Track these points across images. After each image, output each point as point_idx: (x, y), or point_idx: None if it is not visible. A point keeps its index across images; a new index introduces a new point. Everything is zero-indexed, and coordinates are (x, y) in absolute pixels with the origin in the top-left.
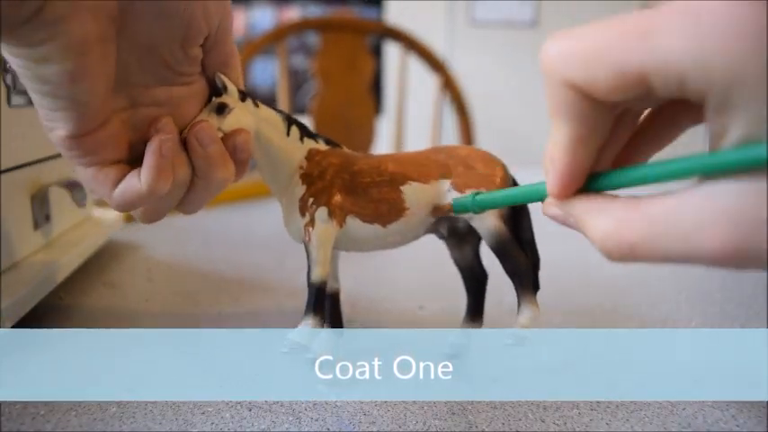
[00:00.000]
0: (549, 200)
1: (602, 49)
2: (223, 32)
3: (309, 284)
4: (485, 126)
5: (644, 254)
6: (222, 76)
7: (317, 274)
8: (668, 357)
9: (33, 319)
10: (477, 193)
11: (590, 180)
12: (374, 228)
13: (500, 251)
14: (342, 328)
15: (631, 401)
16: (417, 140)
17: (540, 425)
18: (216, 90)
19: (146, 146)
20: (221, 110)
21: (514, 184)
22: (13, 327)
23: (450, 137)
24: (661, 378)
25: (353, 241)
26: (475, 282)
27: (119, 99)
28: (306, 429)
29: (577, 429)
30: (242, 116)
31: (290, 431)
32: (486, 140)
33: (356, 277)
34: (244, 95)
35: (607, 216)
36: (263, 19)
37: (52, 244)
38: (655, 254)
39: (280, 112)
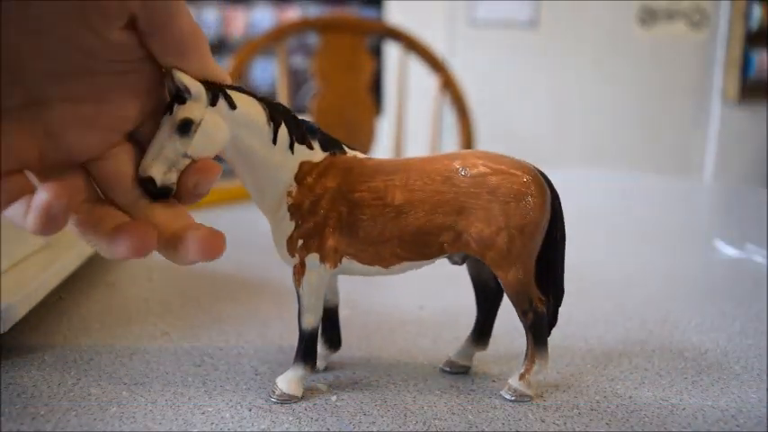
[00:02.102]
0: None
1: None
2: (166, 12)
3: (300, 331)
4: (485, 126)
5: None
6: (180, 75)
7: (308, 322)
8: (668, 358)
9: (33, 319)
10: None
11: None
12: (374, 269)
13: (519, 304)
14: (339, 343)
15: (631, 401)
16: (417, 140)
17: (540, 425)
18: (177, 93)
19: (62, 153)
20: (185, 129)
21: (553, 196)
22: (13, 327)
23: (451, 137)
24: (660, 379)
25: (350, 273)
26: (488, 297)
27: (7, 95)
28: (306, 429)
29: (577, 429)
30: (214, 129)
31: (290, 431)
32: (486, 140)
33: (356, 278)
34: (215, 95)
35: None
36: (263, 19)
37: (52, 244)
38: None
39: (265, 107)
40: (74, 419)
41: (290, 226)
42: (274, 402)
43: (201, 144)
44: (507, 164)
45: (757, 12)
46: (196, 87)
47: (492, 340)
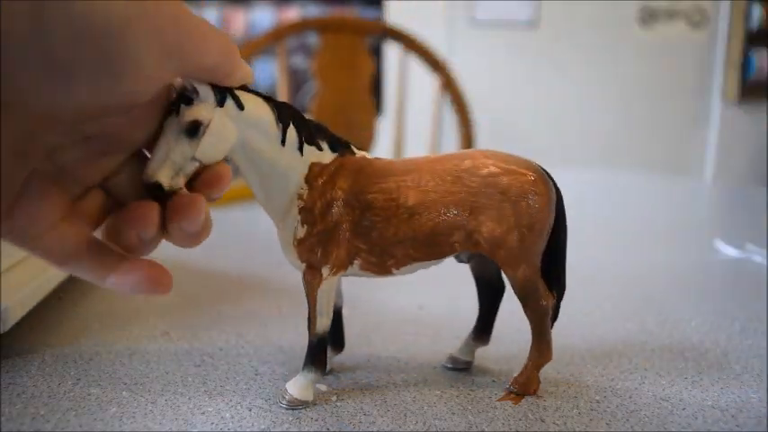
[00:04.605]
0: None
1: None
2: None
3: (311, 335)
4: (485, 126)
5: None
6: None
7: (321, 325)
8: (667, 357)
9: (33, 319)
10: None
11: None
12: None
13: (525, 300)
14: (342, 345)
15: (631, 401)
16: (417, 140)
17: (540, 425)
18: (183, 93)
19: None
20: (194, 131)
21: (557, 194)
22: (13, 327)
23: (451, 137)
24: (660, 379)
25: (359, 274)
26: (490, 293)
27: (32, 161)
28: (306, 429)
29: (577, 429)
30: (222, 131)
31: (290, 431)
32: (486, 140)
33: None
34: (222, 96)
35: None
36: (263, 19)
37: None
38: None
39: (273, 107)
40: (74, 419)
41: (301, 231)
42: (285, 408)
43: (210, 147)
44: (516, 163)
45: (757, 12)
46: (204, 88)
47: (493, 341)
